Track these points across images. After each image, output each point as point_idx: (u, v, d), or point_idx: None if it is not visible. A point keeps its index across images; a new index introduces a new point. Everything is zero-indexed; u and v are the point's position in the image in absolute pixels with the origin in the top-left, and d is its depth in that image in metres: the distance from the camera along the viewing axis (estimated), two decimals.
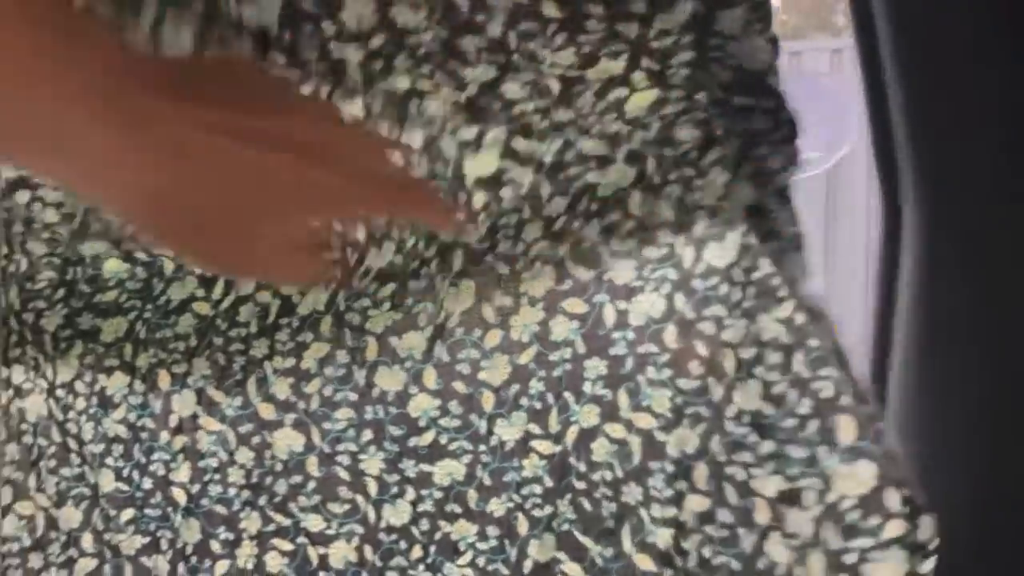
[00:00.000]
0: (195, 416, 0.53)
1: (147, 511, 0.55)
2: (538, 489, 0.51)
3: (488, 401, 0.50)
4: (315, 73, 0.42)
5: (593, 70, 0.43)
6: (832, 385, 0.44)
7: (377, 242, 0.51)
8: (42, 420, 0.56)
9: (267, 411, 0.52)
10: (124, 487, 0.55)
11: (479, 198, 0.49)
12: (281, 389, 0.52)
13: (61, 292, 0.55)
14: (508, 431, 0.50)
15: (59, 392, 0.55)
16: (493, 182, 0.48)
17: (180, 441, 0.53)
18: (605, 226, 0.47)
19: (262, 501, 0.53)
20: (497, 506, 0.51)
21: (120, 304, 0.55)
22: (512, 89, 0.43)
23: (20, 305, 0.54)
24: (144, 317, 0.55)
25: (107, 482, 0.55)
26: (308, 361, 0.52)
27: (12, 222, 0.54)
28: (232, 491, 0.54)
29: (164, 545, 0.55)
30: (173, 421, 0.53)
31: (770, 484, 0.46)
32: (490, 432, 0.50)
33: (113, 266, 0.55)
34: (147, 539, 0.55)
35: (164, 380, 0.54)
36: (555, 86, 0.43)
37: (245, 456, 0.53)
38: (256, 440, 0.53)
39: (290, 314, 0.53)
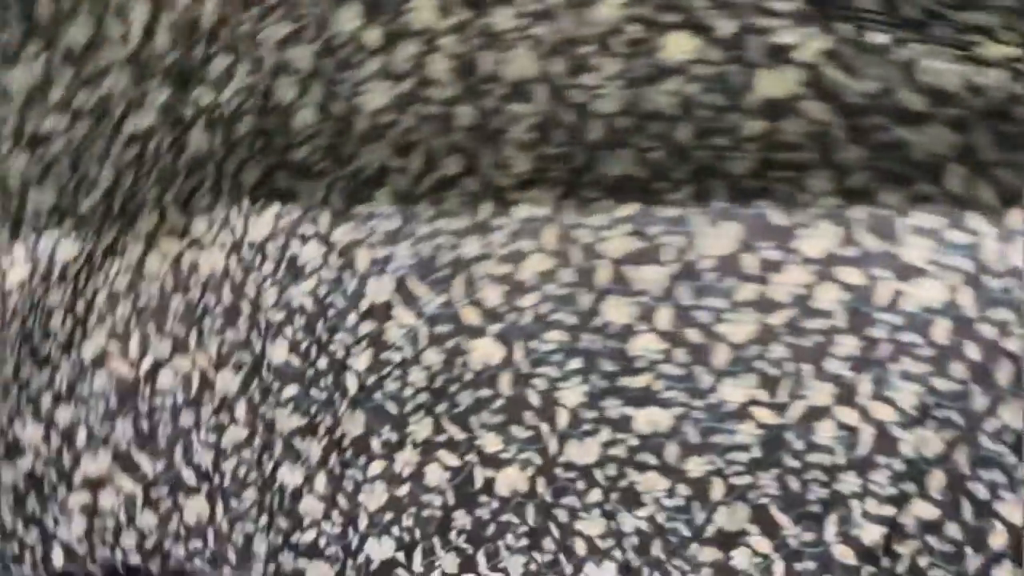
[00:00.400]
0: (389, 304, 0.49)
1: (312, 392, 0.51)
2: (743, 457, 0.47)
3: (720, 356, 0.46)
4: None
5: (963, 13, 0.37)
6: None
7: (609, 145, 0.46)
8: (215, 277, 0.52)
9: (471, 315, 0.48)
10: (296, 361, 0.51)
11: (755, 124, 0.43)
12: (491, 296, 0.48)
13: (260, 142, 0.51)
14: (732, 392, 0.46)
15: (244, 251, 0.51)
16: (780, 108, 0.43)
17: (367, 327, 0.49)
18: (910, 195, 0.42)
19: (440, 408, 0.50)
20: (695, 466, 0.47)
21: (310, 164, 0.50)
22: None
23: (223, 152, 0.50)
24: (339, 185, 0.50)
25: (278, 354, 0.51)
26: (526, 272, 0.47)
27: None
28: (409, 391, 0.50)
29: (321, 431, 0.52)
30: (364, 305, 0.49)
31: (1019, 511, 0.42)
32: (712, 389, 0.46)
33: (305, 117, 0.50)
34: (305, 420, 0.52)
35: (362, 260, 0.49)
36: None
37: (433, 358, 0.49)
38: (450, 344, 0.49)
39: (507, 212, 0.48)
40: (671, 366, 0.46)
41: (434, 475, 0.50)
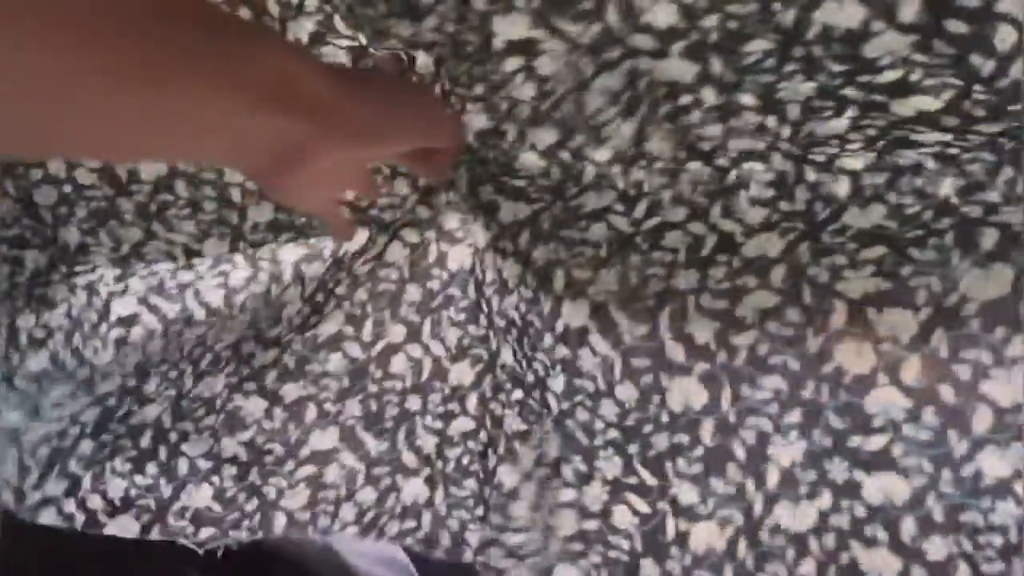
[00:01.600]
0: (585, 330, 0.45)
1: (531, 402, 0.49)
2: (999, 541, 0.40)
3: (983, 420, 0.38)
4: None
5: None
6: None
7: (862, 202, 0.40)
8: (463, 272, 0.50)
9: (675, 351, 0.43)
10: (518, 368, 0.49)
11: None
12: (702, 332, 0.42)
13: (466, 158, 0.48)
14: (995, 463, 0.38)
15: (480, 256, 0.49)
16: None
17: (561, 351, 0.45)
18: None
19: (632, 449, 0.45)
20: (938, 547, 0.40)
21: (527, 193, 0.47)
22: None
23: (472, 156, 0.48)
24: (551, 211, 0.47)
25: (507, 356, 0.49)
26: (745, 308, 0.42)
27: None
28: (599, 424, 0.46)
29: (533, 442, 0.49)
30: (559, 327, 0.45)
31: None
32: (969, 458, 0.39)
33: (529, 160, 0.47)
34: (524, 427, 0.49)
35: (559, 281, 0.45)
36: None
37: (627, 393, 0.45)
38: (647, 379, 0.44)
39: (731, 252, 0.43)
40: (916, 427, 0.39)
41: (623, 517, 0.46)
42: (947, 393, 0.39)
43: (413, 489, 0.53)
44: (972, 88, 0.34)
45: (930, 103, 0.35)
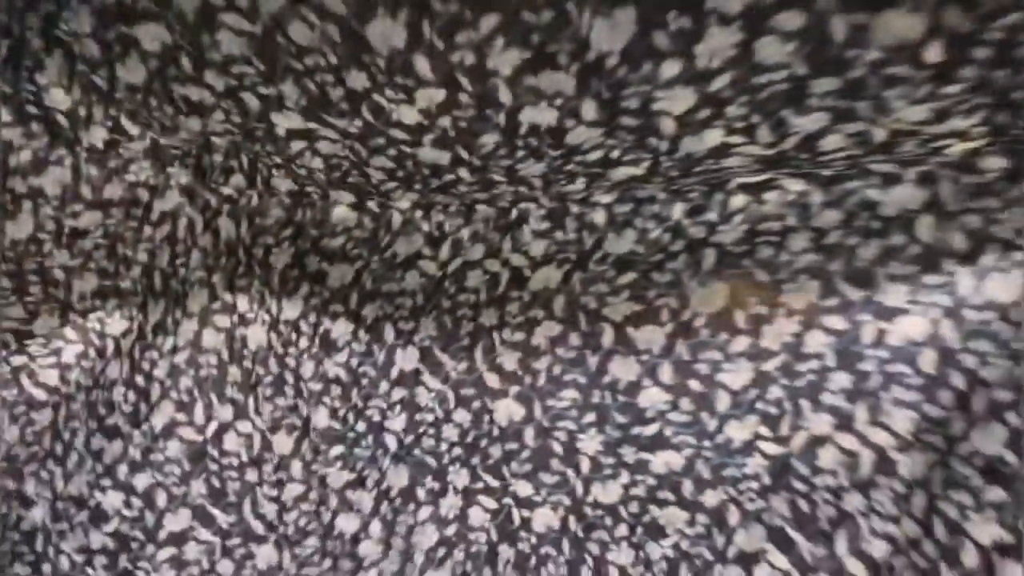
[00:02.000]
0: (418, 372, 0.54)
1: (356, 451, 0.57)
2: (755, 485, 0.51)
3: (723, 402, 0.49)
4: None
5: (939, 126, 0.39)
6: None
7: (617, 228, 0.50)
8: (262, 350, 0.57)
9: (492, 380, 0.53)
10: (337, 426, 0.57)
11: (737, 200, 0.47)
12: (509, 361, 0.52)
13: (289, 231, 0.55)
14: (738, 431, 0.50)
15: (281, 327, 0.56)
16: (756, 185, 0.46)
17: (399, 393, 0.54)
18: (886, 248, 0.44)
19: (474, 461, 0.55)
20: (711, 497, 0.52)
21: (347, 251, 0.55)
22: (833, 141, 0.40)
23: (250, 239, 0.54)
24: (371, 268, 0.54)
25: (321, 419, 0.57)
26: (539, 338, 0.51)
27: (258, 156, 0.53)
28: (444, 446, 0.55)
29: (370, 484, 0.57)
30: (394, 373, 0.54)
31: (987, 531, 0.45)
32: (719, 430, 0.50)
33: (342, 213, 0.54)
34: (353, 476, 0.57)
35: (389, 333, 0.54)
36: (881, 136, 0.40)
37: (463, 417, 0.54)
38: (476, 404, 0.54)
39: (521, 287, 0.52)
40: (677, 413, 0.50)
41: (477, 516, 0.56)
42: (695, 385, 0.49)
43: (265, 554, 0.59)
44: (659, 158, 0.43)
45: (634, 170, 0.45)
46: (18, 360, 0.61)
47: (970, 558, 0.45)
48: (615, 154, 0.43)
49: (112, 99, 0.49)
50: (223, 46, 0.41)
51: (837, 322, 0.46)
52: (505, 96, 0.40)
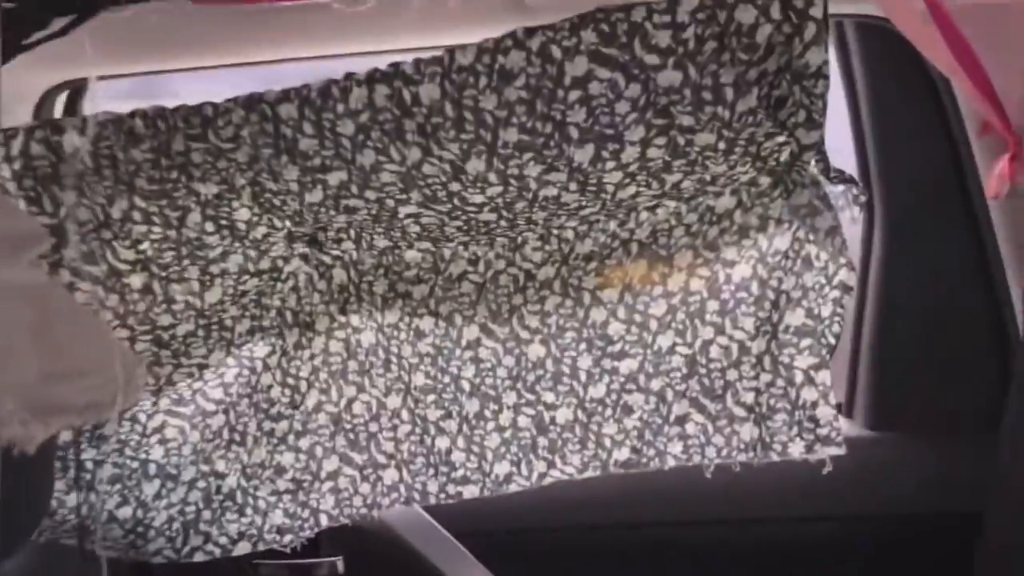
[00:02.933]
0: (478, 339, 0.94)
1: (444, 395, 0.95)
2: (678, 375, 0.92)
3: (652, 324, 0.91)
4: None
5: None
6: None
7: (580, 238, 0.91)
8: (372, 346, 0.96)
9: (524, 334, 0.93)
10: (430, 382, 0.95)
11: (644, 215, 0.89)
12: (533, 322, 0.92)
13: (381, 272, 0.95)
14: (664, 341, 0.91)
15: (386, 329, 0.95)
16: (652, 207, 0.89)
17: (468, 354, 0.94)
18: (721, 229, 0.87)
19: (519, 386, 0.94)
20: (655, 384, 0.92)
21: (420, 276, 0.95)
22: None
23: (358, 279, 0.94)
24: (438, 284, 0.95)
25: (419, 379, 0.95)
26: (548, 305, 0.92)
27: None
28: (499, 381, 0.94)
29: (455, 415, 0.96)
30: (463, 342, 0.94)
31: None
32: (653, 342, 0.91)
33: (412, 255, 0.94)
34: (442, 411, 0.96)
35: (457, 319, 0.94)
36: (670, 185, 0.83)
37: (508, 361, 0.94)
38: (516, 351, 0.93)
39: (532, 280, 0.93)
40: (629, 335, 0.91)
41: (523, 421, 0.95)
42: (637, 318, 0.91)
43: (390, 475, 0.97)
44: (606, 202, 0.86)
45: (592, 209, 0.87)
46: (196, 385, 0.94)
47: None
48: (582, 204, 0.85)
49: (282, 212, 0.88)
50: (383, 177, 0.81)
51: (704, 272, 0.89)
52: (533, 185, 0.81)
